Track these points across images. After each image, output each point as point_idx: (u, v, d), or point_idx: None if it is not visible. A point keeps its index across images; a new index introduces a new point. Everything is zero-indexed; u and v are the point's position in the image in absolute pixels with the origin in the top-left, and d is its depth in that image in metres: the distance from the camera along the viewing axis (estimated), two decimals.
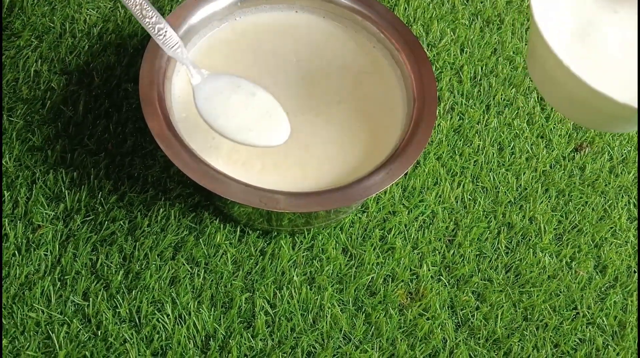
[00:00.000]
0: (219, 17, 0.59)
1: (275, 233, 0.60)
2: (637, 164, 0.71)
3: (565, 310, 0.62)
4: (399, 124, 0.57)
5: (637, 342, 0.62)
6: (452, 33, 0.75)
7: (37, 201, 0.57)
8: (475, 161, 0.67)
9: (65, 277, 0.55)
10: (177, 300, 0.55)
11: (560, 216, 0.66)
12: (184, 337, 0.54)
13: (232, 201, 0.49)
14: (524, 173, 0.68)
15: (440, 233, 0.63)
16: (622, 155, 0.71)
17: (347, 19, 0.61)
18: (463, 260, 0.62)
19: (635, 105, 0.37)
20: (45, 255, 0.55)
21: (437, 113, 0.67)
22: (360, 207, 0.63)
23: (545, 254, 0.64)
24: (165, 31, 0.51)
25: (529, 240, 0.64)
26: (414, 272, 0.61)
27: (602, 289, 0.64)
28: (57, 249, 0.56)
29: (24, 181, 0.58)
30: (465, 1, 0.78)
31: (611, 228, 0.67)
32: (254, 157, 0.54)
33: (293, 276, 0.58)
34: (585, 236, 0.66)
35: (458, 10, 0.77)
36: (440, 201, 0.64)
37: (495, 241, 0.64)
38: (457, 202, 0.65)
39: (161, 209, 0.59)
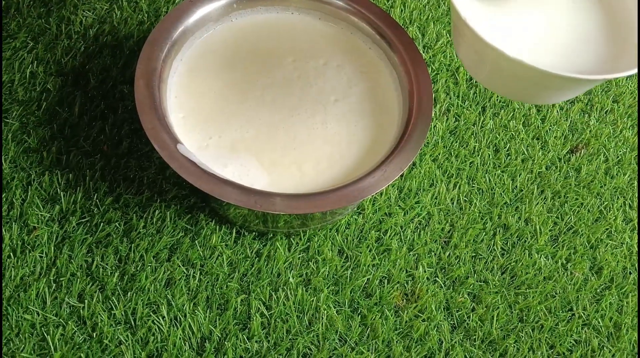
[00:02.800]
0: (215, 18, 0.59)
1: (271, 235, 0.60)
2: (632, 165, 0.71)
3: (560, 311, 0.62)
4: (395, 125, 0.57)
5: (633, 342, 0.62)
6: (448, 35, 0.75)
7: (32, 203, 0.57)
8: (471, 163, 0.67)
9: (61, 279, 0.55)
10: (172, 302, 0.55)
11: (555, 218, 0.66)
12: (180, 338, 0.54)
13: (227, 203, 0.49)
14: (519, 175, 0.68)
15: (436, 234, 0.63)
16: (618, 157, 0.72)
17: (342, 20, 0.61)
18: (459, 261, 0.62)
19: (546, 68, 0.39)
20: (41, 256, 0.55)
21: (433, 115, 0.68)
22: (356, 208, 0.63)
23: (540, 255, 0.64)
24: None
25: (525, 241, 0.64)
26: (409, 274, 0.61)
27: (598, 290, 0.64)
28: (53, 251, 0.56)
29: (19, 182, 0.58)
30: None
31: (607, 229, 0.67)
32: (250, 157, 0.54)
33: (289, 277, 0.58)
34: (580, 237, 0.66)
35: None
36: (436, 202, 0.65)
37: (491, 242, 0.64)
38: (453, 203, 0.65)
39: (157, 211, 0.58)
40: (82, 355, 0.52)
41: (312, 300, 0.57)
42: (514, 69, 0.41)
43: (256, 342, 0.55)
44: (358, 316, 0.58)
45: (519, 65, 0.39)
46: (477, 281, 0.61)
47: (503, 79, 0.44)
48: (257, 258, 0.59)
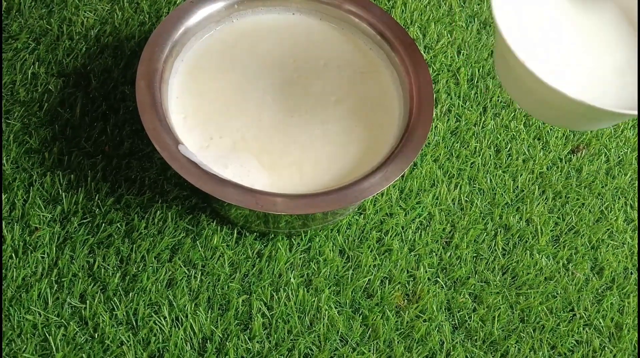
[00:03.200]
0: (216, 19, 0.59)
1: (273, 235, 0.60)
2: (633, 166, 0.71)
3: (562, 311, 0.62)
4: (396, 126, 0.57)
5: (634, 343, 0.62)
6: (449, 35, 0.75)
7: (34, 204, 0.57)
8: (472, 163, 0.67)
9: (62, 279, 0.55)
10: (174, 303, 0.55)
11: (557, 218, 0.66)
12: (181, 339, 0.54)
13: (229, 203, 0.49)
14: (520, 175, 0.68)
15: (437, 235, 0.63)
16: (619, 157, 0.72)
17: (343, 21, 0.61)
18: (460, 261, 0.62)
19: (591, 102, 0.38)
20: (42, 257, 0.55)
21: (434, 115, 0.68)
22: (357, 209, 0.63)
23: (542, 256, 0.64)
24: None
25: (526, 241, 0.64)
26: (411, 274, 0.61)
27: (599, 291, 0.64)
28: (54, 251, 0.56)
29: (21, 183, 0.58)
30: (462, 3, 0.78)
31: (608, 229, 0.67)
32: (251, 157, 0.54)
33: (290, 278, 0.58)
34: (582, 238, 0.66)
35: (455, 12, 0.77)
36: (437, 203, 0.65)
37: (492, 243, 0.64)
38: (454, 204, 0.65)
39: (158, 212, 0.59)
40: (83, 355, 0.52)
41: (314, 301, 0.58)
42: (571, 106, 0.40)
43: (257, 342, 0.55)
44: (359, 316, 0.58)
45: (579, 104, 0.38)
46: (478, 282, 0.61)
47: (551, 111, 0.43)
48: (258, 259, 0.59)
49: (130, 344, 0.53)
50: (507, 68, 0.44)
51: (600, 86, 0.44)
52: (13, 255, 0.55)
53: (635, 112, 0.39)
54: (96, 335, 0.53)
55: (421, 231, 0.63)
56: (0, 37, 0.65)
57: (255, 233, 0.60)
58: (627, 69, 0.45)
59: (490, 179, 0.67)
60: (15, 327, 0.53)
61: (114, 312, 0.54)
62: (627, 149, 0.72)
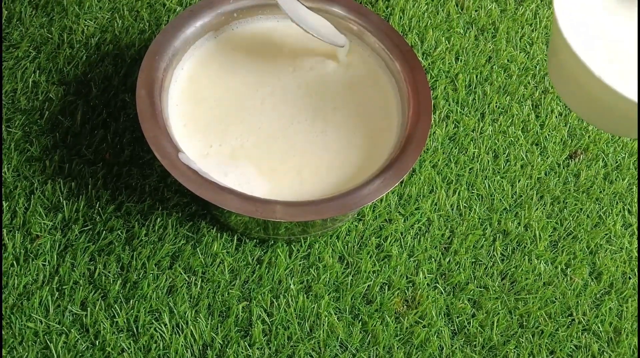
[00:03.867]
0: (216, 27, 0.60)
1: (272, 242, 0.60)
2: (631, 170, 0.72)
3: (560, 316, 0.62)
4: (395, 132, 0.57)
5: (633, 347, 0.62)
6: (446, 42, 0.75)
7: (35, 212, 0.57)
8: (470, 169, 0.68)
9: (64, 287, 0.55)
10: (174, 309, 0.56)
11: (555, 223, 0.67)
12: (182, 346, 0.54)
13: (228, 210, 0.50)
14: (519, 180, 0.68)
15: (436, 240, 0.63)
16: (617, 162, 0.72)
17: (342, 28, 0.61)
18: (459, 267, 0.62)
19: None
20: (44, 265, 0.56)
21: (432, 121, 0.68)
22: (356, 215, 0.63)
23: (540, 261, 0.64)
24: None
25: (525, 247, 0.65)
26: (410, 280, 0.61)
27: (598, 295, 0.64)
28: (55, 259, 0.56)
29: (22, 191, 0.58)
30: (459, 10, 0.79)
31: (606, 234, 0.67)
32: (250, 165, 0.54)
33: (290, 284, 0.58)
34: (580, 243, 0.66)
35: (453, 19, 0.77)
36: (436, 208, 0.65)
37: (491, 248, 0.64)
38: (452, 210, 0.65)
39: (158, 219, 0.59)
40: None
41: (313, 307, 0.58)
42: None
43: (257, 349, 0.55)
44: (359, 322, 0.58)
45: None
46: (477, 287, 0.62)
47: (612, 118, 0.42)
48: (258, 265, 0.59)
49: (131, 351, 0.54)
50: (567, 78, 0.43)
51: None
52: (14, 262, 0.55)
53: None
54: (97, 342, 0.53)
55: (420, 237, 0.63)
56: (0, 46, 0.65)
57: (255, 240, 0.60)
58: None
59: (489, 185, 0.67)
60: (17, 334, 0.53)
61: (114, 319, 0.54)
62: (625, 154, 0.73)
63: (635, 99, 0.37)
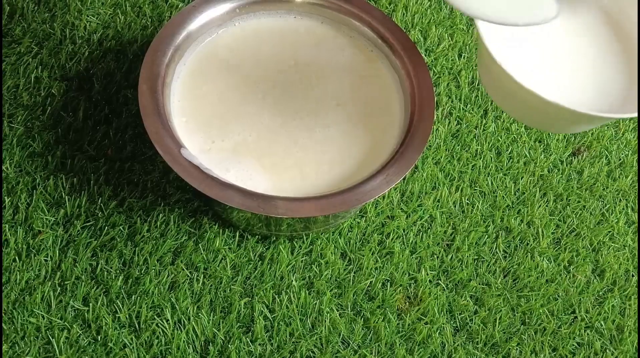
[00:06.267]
0: (218, 23, 0.59)
1: (274, 238, 0.60)
2: (634, 168, 0.71)
3: (563, 314, 0.62)
4: (397, 129, 0.57)
5: (636, 345, 0.62)
6: (450, 38, 0.75)
7: (37, 207, 0.57)
8: (473, 166, 0.68)
9: (65, 282, 0.55)
10: (176, 305, 0.56)
11: (558, 221, 0.67)
12: (184, 341, 0.54)
13: (231, 206, 0.50)
14: (521, 177, 0.68)
15: (438, 237, 0.63)
16: (620, 159, 0.72)
17: (344, 24, 0.61)
18: (461, 264, 0.62)
19: (565, 104, 0.39)
20: (46, 260, 0.56)
21: (435, 118, 0.68)
22: (358, 212, 0.63)
23: (543, 258, 0.64)
24: None
25: (527, 244, 0.65)
26: (412, 277, 0.61)
27: (600, 293, 0.64)
28: (57, 254, 0.56)
29: (24, 187, 0.58)
30: None
31: (609, 232, 0.67)
32: (252, 160, 0.54)
33: (292, 281, 0.58)
34: (583, 240, 0.66)
35: (456, 15, 0.77)
36: (438, 205, 0.65)
37: (494, 245, 0.64)
38: (455, 206, 0.65)
39: (160, 215, 0.59)
40: None
41: (315, 303, 0.58)
42: (547, 108, 0.41)
43: (259, 345, 0.55)
44: (361, 319, 0.58)
45: (556, 107, 0.40)
46: (479, 284, 0.62)
47: (531, 114, 0.45)
48: (260, 262, 0.59)
49: (133, 347, 0.54)
50: (490, 74, 0.45)
51: (579, 89, 0.45)
52: (16, 258, 0.55)
53: (611, 116, 0.41)
54: (99, 337, 0.54)
55: (422, 234, 0.63)
56: (2, 42, 0.65)
57: (257, 236, 0.60)
58: (605, 70, 0.46)
59: (492, 182, 0.67)
60: (19, 329, 0.53)
61: (116, 315, 0.54)
62: (628, 151, 0.72)
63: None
